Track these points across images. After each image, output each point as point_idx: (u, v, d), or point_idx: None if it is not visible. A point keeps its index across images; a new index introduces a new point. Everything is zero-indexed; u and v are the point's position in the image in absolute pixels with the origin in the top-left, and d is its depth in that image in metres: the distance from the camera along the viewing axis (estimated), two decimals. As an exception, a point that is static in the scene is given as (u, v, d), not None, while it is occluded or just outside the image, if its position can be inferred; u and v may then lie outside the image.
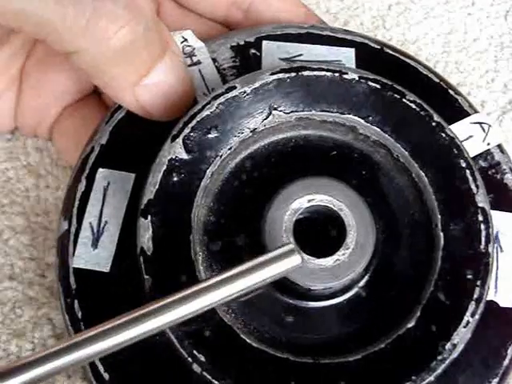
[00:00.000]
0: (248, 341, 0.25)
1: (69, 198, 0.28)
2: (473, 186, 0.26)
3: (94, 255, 0.27)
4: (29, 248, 0.31)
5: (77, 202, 0.28)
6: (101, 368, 0.26)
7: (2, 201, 0.32)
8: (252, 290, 0.24)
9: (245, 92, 0.27)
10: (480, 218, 0.26)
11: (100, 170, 0.28)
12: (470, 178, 0.26)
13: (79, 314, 0.26)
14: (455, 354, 0.25)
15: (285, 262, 0.24)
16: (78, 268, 0.27)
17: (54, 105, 0.31)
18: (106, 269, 0.27)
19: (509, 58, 0.36)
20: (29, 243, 0.31)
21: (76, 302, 0.26)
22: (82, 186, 0.28)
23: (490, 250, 0.25)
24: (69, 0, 0.24)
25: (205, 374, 0.24)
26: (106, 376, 0.25)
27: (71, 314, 0.26)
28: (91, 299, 0.26)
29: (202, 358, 0.24)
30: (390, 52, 0.30)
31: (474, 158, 0.29)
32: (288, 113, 0.27)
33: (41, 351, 0.21)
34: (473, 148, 0.29)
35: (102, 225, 0.27)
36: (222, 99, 0.26)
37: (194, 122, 0.26)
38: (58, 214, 0.28)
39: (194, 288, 0.23)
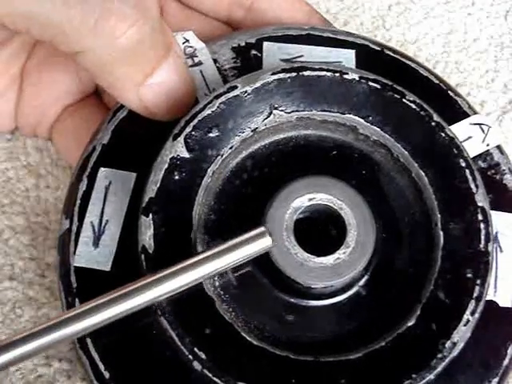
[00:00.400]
0: (248, 339, 0.25)
1: (70, 197, 0.28)
2: (472, 186, 0.26)
3: (95, 254, 0.27)
4: (29, 248, 0.31)
5: (78, 201, 0.28)
6: (101, 366, 0.26)
7: (2, 201, 0.32)
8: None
9: (246, 91, 0.27)
10: (480, 217, 0.26)
11: (101, 169, 0.28)
12: (470, 178, 0.26)
13: (80, 313, 0.26)
14: (455, 353, 0.25)
15: (256, 243, 0.25)
16: (78, 267, 0.27)
17: (55, 104, 0.32)
18: (107, 268, 0.27)
19: (509, 58, 0.36)
20: (29, 243, 0.31)
21: (77, 300, 0.26)
22: (83, 185, 0.28)
23: (489, 248, 0.26)
24: (76, 0, 0.24)
25: (205, 371, 0.24)
26: (107, 374, 0.25)
27: (72, 313, 0.26)
28: (92, 298, 0.26)
29: (203, 356, 0.24)
30: (391, 54, 0.31)
31: (473, 159, 0.29)
32: (289, 112, 0.27)
33: (36, 325, 0.22)
34: (472, 149, 0.29)
35: (103, 224, 0.27)
36: (223, 98, 0.27)
37: (195, 121, 0.26)
38: (58, 213, 0.28)
39: (174, 268, 0.24)
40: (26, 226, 0.31)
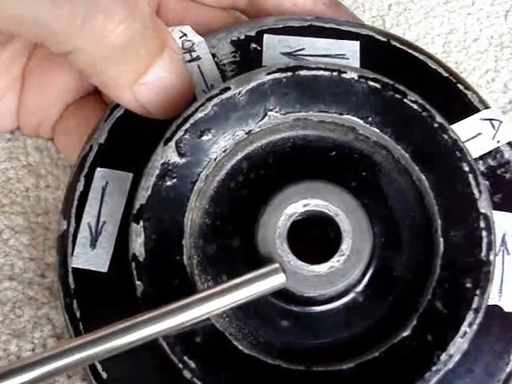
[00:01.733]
0: (239, 347, 0.24)
1: (68, 198, 0.28)
2: (475, 191, 0.25)
3: (92, 255, 0.27)
4: (29, 248, 0.31)
5: (75, 202, 0.28)
6: (99, 367, 0.26)
7: (1, 201, 0.32)
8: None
9: (240, 93, 0.26)
10: (482, 224, 0.25)
11: (98, 169, 0.28)
12: (473, 183, 0.25)
13: (78, 314, 0.26)
14: (451, 365, 0.24)
15: (269, 280, 0.24)
16: (76, 268, 0.27)
17: (56, 104, 0.31)
18: (104, 269, 0.27)
19: (509, 57, 0.35)
20: (29, 243, 0.31)
21: (75, 301, 0.27)
22: (80, 186, 0.28)
23: (491, 258, 0.24)
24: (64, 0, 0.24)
25: (195, 380, 0.24)
26: (104, 375, 0.26)
27: (70, 314, 0.27)
28: (90, 299, 0.27)
29: (193, 365, 0.24)
30: (397, 45, 0.29)
31: (482, 156, 0.28)
32: (284, 114, 0.26)
33: (39, 353, 0.22)
34: (481, 146, 0.28)
35: (100, 225, 0.27)
36: (216, 100, 0.26)
37: (187, 125, 0.26)
38: (58, 213, 0.28)
39: (184, 301, 0.23)
40: (25, 226, 0.31)
